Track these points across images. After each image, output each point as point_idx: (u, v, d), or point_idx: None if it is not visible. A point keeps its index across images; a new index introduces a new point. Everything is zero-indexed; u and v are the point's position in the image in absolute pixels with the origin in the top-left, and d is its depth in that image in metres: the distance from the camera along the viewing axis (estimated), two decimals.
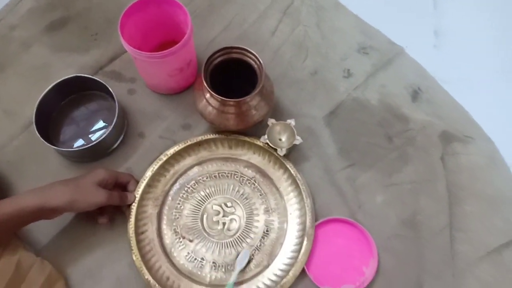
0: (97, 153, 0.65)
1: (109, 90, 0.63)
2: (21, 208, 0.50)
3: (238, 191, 0.64)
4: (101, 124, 0.67)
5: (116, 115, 0.62)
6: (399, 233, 0.62)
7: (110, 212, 0.59)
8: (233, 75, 0.62)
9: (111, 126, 0.61)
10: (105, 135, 0.61)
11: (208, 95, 0.60)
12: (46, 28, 0.75)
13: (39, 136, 0.60)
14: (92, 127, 0.67)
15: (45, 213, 0.52)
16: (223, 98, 0.57)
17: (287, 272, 0.58)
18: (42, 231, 0.60)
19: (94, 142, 0.61)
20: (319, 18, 0.76)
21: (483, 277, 0.61)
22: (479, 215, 0.64)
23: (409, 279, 0.60)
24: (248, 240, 0.61)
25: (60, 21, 0.75)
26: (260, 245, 0.61)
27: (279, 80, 0.70)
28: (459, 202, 0.64)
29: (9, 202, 0.50)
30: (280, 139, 0.64)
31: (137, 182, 0.62)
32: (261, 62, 0.58)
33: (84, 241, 0.60)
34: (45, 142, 0.60)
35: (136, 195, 0.60)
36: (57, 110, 0.67)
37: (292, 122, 0.64)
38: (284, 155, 0.63)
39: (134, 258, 0.58)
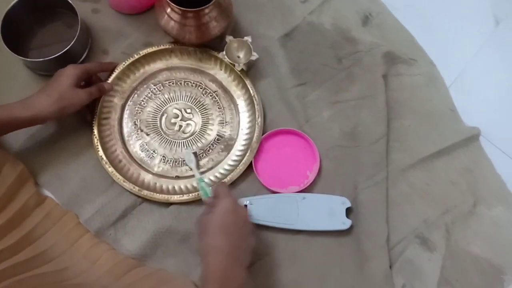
0: (63, 66, 0.68)
1: (72, 6, 0.66)
2: (15, 117, 0.55)
3: (199, 101, 0.70)
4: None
5: (79, 29, 0.65)
6: (341, 144, 0.69)
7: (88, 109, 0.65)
8: None
9: (74, 39, 0.65)
10: (69, 46, 0.64)
11: (169, 10, 0.64)
12: None
13: (7, 48, 0.63)
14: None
15: (37, 122, 0.58)
16: (184, 9, 0.61)
17: (228, 172, 0.65)
18: (13, 136, 0.64)
19: (59, 53, 0.64)
20: None
21: (414, 182, 0.68)
22: (415, 128, 0.71)
23: (346, 181, 0.67)
24: (199, 144, 0.68)
25: None
26: (208, 151, 0.68)
27: (240, 1, 0.74)
28: (398, 117, 0.71)
29: (1, 110, 0.55)
30: (238, 56, 0.69)
31: (110, 68, 0.68)
32: None
33: (52, 144, 0.66)
34: (13, 54, 0.63)
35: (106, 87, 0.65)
36: (23, 25, 0.70)
37: (249, 39, 0.68)
38: (242, 71, 0.68)
39: (95, 140, 0.64)
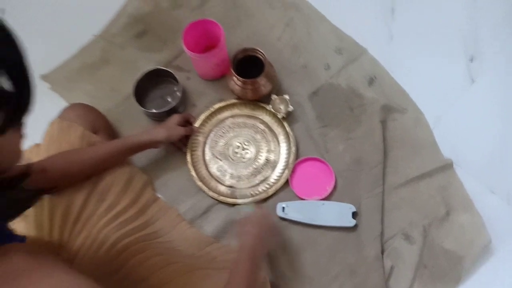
0: (168, 115, 1.06)
1: (175, 76, 1.05)
2: (140, 140, 0.91)
3: (253, 137, 1.04)
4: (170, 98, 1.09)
5: (181, 92, 1.04)
6: (350, 168, 1.00)
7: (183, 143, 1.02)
8: (250, 65, 1.01)
9: (178, 99, 1.03)
10: (174, 104, 1.02)
11: (234, 78, 1.00)
12: (134, 36, 1.17)
13: (136, 103, 1.02)
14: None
15: (152, 144, 0.94)
16: (243, 79, 0.97)
17: (271, 185, 0.99)
18: (138, 158, 1.02)
19: (167, 108, 1.02)
20: (309, 28, 1.13)
21: (403, 195, 0.97)
22: (405, 157, 1.00)
23: (353, 193, 0.97)
24: (254, 165, 1.02)
25: (143, 32, 1.17)
26: (260, 170, 1.01)
27: (281, 70, 1.09)
28: (392, 149, 1.01)
29: (131, 137, 0.92)
30: (279, 108, 1.03)
31: (195, 119, 1.04)
32: (266, 56, 0.98)
33: (161, 164, 1.03)
34: (140, 107, 1.03)
35: (195, 128, 1.02)
36: (144, 88, 1.09)
37: (287, 96, 1.03)
38: (283, 118, 1.03)
39: (189, 164, 1.00)
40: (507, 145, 1.01)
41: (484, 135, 1.02)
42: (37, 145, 0.87)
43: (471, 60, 1.09)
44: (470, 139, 1.02)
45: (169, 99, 1.09)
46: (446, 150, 1.01)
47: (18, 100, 0.45)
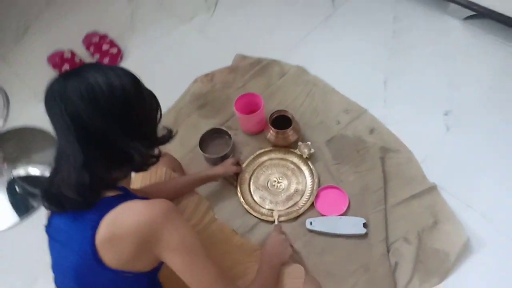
0: (222, 160, 1.45)
1: (228, 133, 1.47)
2: (206, 174, 1.29)
3: (285, 173, 1.41)
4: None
5: (232, 143, 1.45)
6: (358, 193, 1.34)
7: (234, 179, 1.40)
8: (282, 121, 1.42)
9: (229, 148, 1.43)
10: (227, 151, 1.43)
11: (271, 131, 1.41)
12: (197, 108, 1.62)
13: (200, 150, 1.43)
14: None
15: (213, 178, 1.32)
16: (278, 130, 1.38)
17: (301, 207, 1.32)
18: (201, 189, 1.39)
19: (222, 154, 1.42)
20: (324, 97, 1.56)
21: (400, 211, 1.29)
22: (399, 184, 1.33)
23: (362, 211, 1.30)
24: (287, 194, 1.37)
25: (203, 105, 1.63)
26: (292, 196, 1.36)
27: (304, 125, 1.49)
28: (390, 179, 1.35)
29: (199, 172, 1.30)
30: (304, 151, 1.42)
31: (243, 162, 1.42)
32: (293, 116, 1.39)
33: (219, 193, 1.39)
34: (203, 153, 1.43)
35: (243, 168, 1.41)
36: (205, 141, 1.50)
37: (309, 143, 1.42)
38: (306, 158, 1.40)
39: (239, 194, 1.36)
40: (477, 171, 1.34)
41: (460, 165, 1.36)
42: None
43: (446, 114, 1.47)
44: (450, 169, 1.36)
45: (223, 149, 1.50)
46: (431, 178, 1.34)
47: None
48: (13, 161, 1.64)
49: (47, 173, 1.60)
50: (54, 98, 0.76)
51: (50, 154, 1.62)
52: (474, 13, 1.64)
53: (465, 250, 1.20)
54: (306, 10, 1.88)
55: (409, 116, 1.49)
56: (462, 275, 1.17)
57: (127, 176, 0.91)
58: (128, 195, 0.87)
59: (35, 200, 1.58)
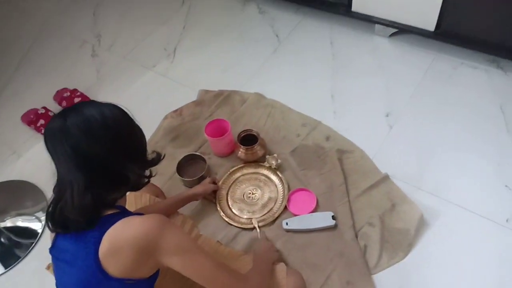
0: (200, 182, 1.59)
1: (203, 157, 1.63)
2: (188, 194, 1.43)
3: (258, 184, 1.57)
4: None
5: (207, 166, 1.60)
6: (325, 191, 1.51)
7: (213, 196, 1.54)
8: (249, 140, 1.60)
9: (205, 170, 1.59)
10: (202, 173, 1.58)
11: (240, 149, 1.58)
12: (171, 140, 1.78)
13: (179, 175, 1.57)
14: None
15: (195, 197, 1.45)
16: (246, 147, 1.55)
17: (276, 211, 1.48)
18: (183, 210, 1.51)
19: (198, 176, 1.57)
20: (283, 115, 1.77)
21: (362, 200, 1.47)
22: (358, 178, 1.52)
23: (330, 205, 1.46)
24: (260, 202, 1.52)
25: (176, 136, 1.79)
26: (266, 204, 1.51)
27: (269, 141, 1.68)
28: (349, 175, 1.54)
29: (181, 193, 1.43)
30: (272, 162, 1.59)
31: (219, 180, 1.57)
32: (259, 134, 1.58)
33: (200, 212, 1.52)
34: (181, 178, 1.57)
35: (219, 185, 1.55)
36: (182, 167, 1.65)
37: (276, 155, 1.59)
38: (275, 169, 1.58)
39: (218, 208, 1.50)
40: (420, 158, 1.56)
41: (405, 155, 1.58)
42: None
43: (387, 115, 1.71)
44: (397, 159, 1.57)
45: (200, 172, 1.64)
46: (383, 169, 1.54)
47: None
48: (0, 214, 1.71)
49: (33, 225, 1.68)
50: (55, 133, 0.87)
51: (38, 205, 1.71)
52: (396, 30, 1.94)
53: (422, 223, 1.38)
54: (257, 45, 2.13)
55: (357, 121, 1.71)
56: (424, 246, 1.35)
57: (124, 196, 1.02)
58: (125, 212, 0.98)
59: (21, 251, 1.64)
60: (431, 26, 1.80)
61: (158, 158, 1.03)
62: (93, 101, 0.95)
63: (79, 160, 0.87)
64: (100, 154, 0.88)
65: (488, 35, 1.71)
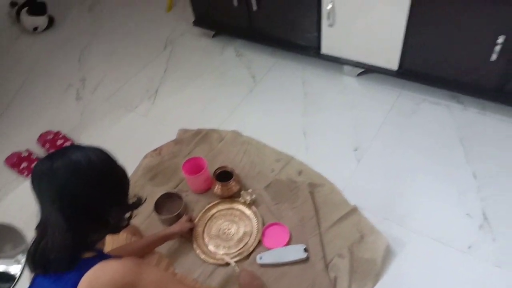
0: (177, 219, 1.64)
1: (179, 195, 1.68)
2: (164, 233, 1.47)
3: (233, 220, 1.63)
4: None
5: (183, 203, 1.66)
6: (297, 224, 1.57)
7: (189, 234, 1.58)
8: (224, 176, 1.67)
9: (182, 207, 1.64)
10: (179, 210, 1.63)
11: (217, 185, 1.65)
12: (150, 178, 1.84)
13: (156, 213, 1.62)
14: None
15: (171, 236, 1.49)
16: (222, 182, 1.62)
17: (250, 245, 1.53)
18: (159, 248, 1.55)
19: (176, 213, 1.62)
20: (258, 152, 1.85)
21: (333, 232, 1.53)
22: (328, 210, 1.59)
23: (302, 238, 1.52)
24: (236, 237, 1.57)
25: (155, 175, 1.85)
26: (242, 238, 1.56)
27: (244, 176, 1.75)
28: (320, 208, 1.61)
29: (158, 233, 1.48)
30: (247, 198, 1.65)
31: (195, 218, 1.62)
32: (233, 169, 1.65)
33: (177, 251, 1.56)
34: (158, 215, 1.62)
35: (195, 223, 1.60)
36: (160, 205, 1.70)
37: (250, 190, 1.66)
38: (249, 204, 1.64)
39: (195, 246, 1.54)
40: (386, 190, 1.63)
41: (372, 187, 1.65)
42: None
43: (355, 150, 1.80)
44: (365, 192, 1.65)
45: (177, 209, 1.70)
46: (352, 201, 1.61)
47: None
48: None
49: (11, 269, 1.70)
50: (43, 174, 0.91)
51: (18, 248, 1.73)
52: (363, 69, 2.07)
53: (388, 253, 1.44)
54: (233, 86, 2.24)
55: (328, 156, 1.80)
56: (391, 275, 1.41)
57: (103, 239, 1.05)
58: (103, 255, 1.00)
59: None
60: (394, 65, 1.93)
61: (138, 203, 1.07)
62: (79, 145, 0.99)
63: (63, 201, 0.90)
64: (83, 196, 0.91)
65: (446, 72, 1.84)
